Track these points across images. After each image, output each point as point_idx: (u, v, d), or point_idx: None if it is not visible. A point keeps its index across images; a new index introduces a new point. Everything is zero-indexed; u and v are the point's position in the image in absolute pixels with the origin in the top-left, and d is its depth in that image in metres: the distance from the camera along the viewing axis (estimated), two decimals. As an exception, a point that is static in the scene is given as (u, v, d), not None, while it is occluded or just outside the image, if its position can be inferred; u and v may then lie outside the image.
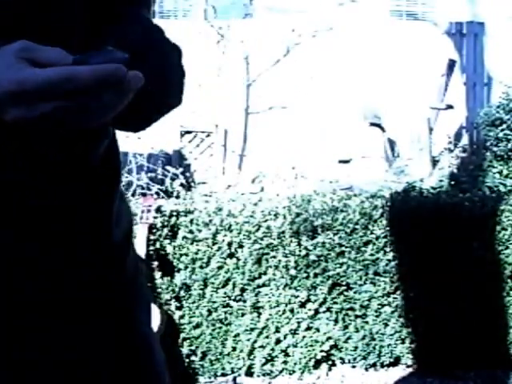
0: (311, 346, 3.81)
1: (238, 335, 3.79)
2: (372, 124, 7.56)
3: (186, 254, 3.77)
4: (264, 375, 3.82)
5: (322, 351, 3.81)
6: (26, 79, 0.74)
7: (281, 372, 3.83)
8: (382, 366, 3.88)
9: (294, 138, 7.77)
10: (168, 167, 5.58)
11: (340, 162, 7.55)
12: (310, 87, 8.06)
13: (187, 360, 3.81)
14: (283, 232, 3.78)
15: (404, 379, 3.83)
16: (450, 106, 7.86)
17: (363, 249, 3.79)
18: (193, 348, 3.81)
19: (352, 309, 3.82)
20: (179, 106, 1.04)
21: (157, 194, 4.75)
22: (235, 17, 8.17)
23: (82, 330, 1.02)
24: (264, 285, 3.79)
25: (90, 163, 0.96)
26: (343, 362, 3.88)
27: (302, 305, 3.80)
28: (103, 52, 0.76)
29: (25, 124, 0.77)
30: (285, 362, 3.82)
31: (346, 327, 3.83)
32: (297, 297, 3.79)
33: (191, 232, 3.78)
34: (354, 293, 3.81)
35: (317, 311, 3.81)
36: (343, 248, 3.78)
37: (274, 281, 3.78)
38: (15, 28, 0.86)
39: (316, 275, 3.78)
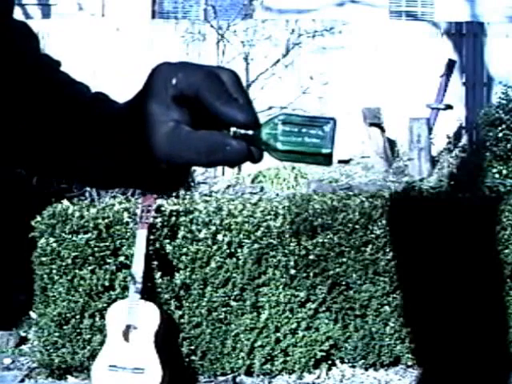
0: (311, 345, 3.81)
1: (237, 335, 3.79)
2: (372, 124, 7.55)
3: (186, 254, 3.77)
4: (264, 375, 3.82)
5: (321, 351, 3.81)
6: None
7: (280, 371, 3.83)
8: (382, 365, 3.88)
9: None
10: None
11: (340, 161, 7.55)
12: (310, 87, 8.06)
13: (187, 359, 3.81)
14: (283, 232, 3.78)
15: (403, 379, 3.83)
16: (449, 106, 7.87)
17: (363, 249, 3.79)
18: (193, 347, 3.81)
19: (352, 308, 3.82)
20: None
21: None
22: (235, 17, 8.17)
23: None
24: (264, 284, 3.79)
25: None
26: (343, 362, 3.88)
27: (302, 304, 3.80)
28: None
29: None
30: (284, 362, 3.82)
31: (345, 327, 3.83)
32: (296, 296, 3.79)
33: (191, 232, 3.78)
34: (354, 292, 3.81)
35: (316, 311, 3.81)
36: (343, 248, 3.78)
37: (274, 280, 3.78)
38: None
39: (316, 275, 3.78)
